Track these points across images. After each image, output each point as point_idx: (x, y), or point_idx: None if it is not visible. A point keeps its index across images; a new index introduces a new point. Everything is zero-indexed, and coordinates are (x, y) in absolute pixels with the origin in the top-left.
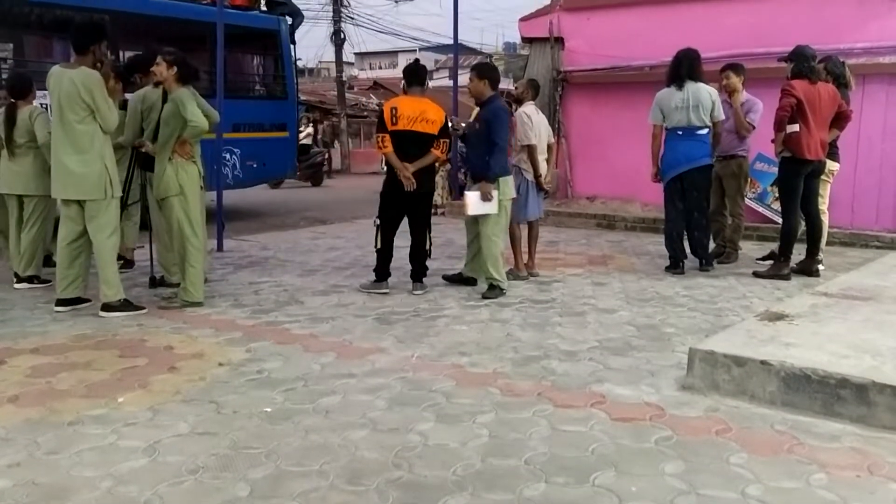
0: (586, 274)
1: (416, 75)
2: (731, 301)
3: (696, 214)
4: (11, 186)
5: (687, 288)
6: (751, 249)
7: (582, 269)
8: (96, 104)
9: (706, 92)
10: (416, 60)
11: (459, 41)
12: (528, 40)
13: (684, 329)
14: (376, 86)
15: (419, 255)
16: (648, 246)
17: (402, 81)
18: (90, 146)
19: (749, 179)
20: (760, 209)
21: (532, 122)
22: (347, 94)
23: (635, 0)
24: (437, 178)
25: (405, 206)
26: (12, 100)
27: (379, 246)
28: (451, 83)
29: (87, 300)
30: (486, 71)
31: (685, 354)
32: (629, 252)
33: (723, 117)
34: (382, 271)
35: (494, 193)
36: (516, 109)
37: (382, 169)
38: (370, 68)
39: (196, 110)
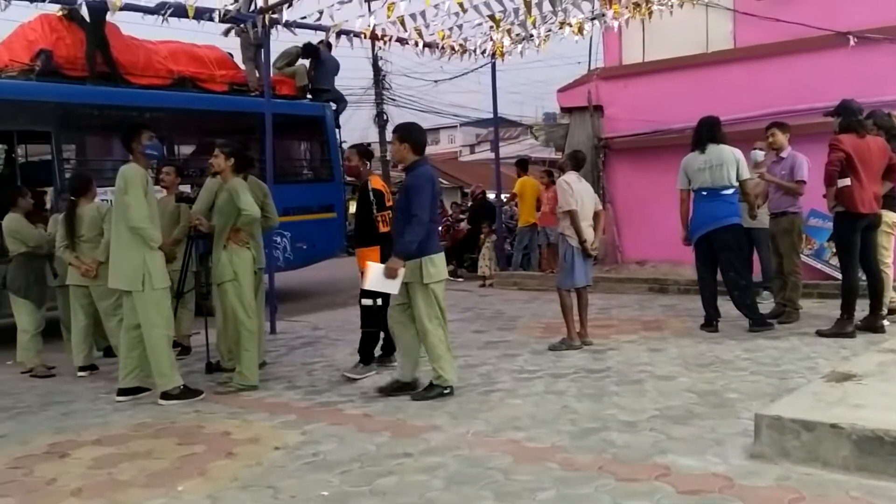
0: (641, 340)
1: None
2: (795, 362)
3: (731, 274)
4: (78, 279)
5: (748, 350)
6: (811, 308)
7: (636, 336)
8: (125, 197)
9: (729, 153)
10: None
11: (499, 114)
12: (567, 110)
13: (748, 394)
14: None
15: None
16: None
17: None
18: (130, 238)
19: (804, 236)
20: (819, 266)
21: (573, 189)
22: (392, 172)
23: (670, 65)
24: (484, 250)
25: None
26: (73, 198)
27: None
28: (492, 156)
29: (147, 389)
30: (406, 133)
31: (751, 421)
32: (684, 315)
33: (747, 176)
34: (371, 354)
35: (400, 272)
36: (558, 178)
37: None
38: None
39: (249, 199)
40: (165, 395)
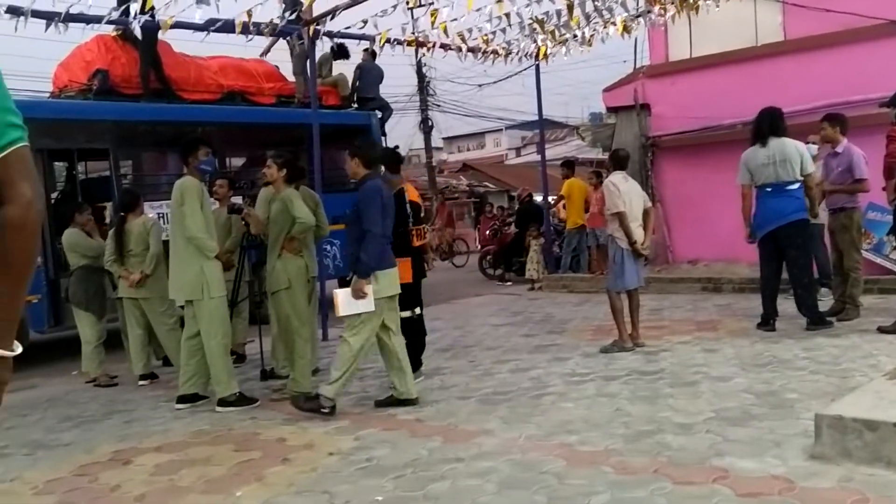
0: (695, 341)
1: (394, 159)
2: (856, 361)
3: (796, 272)
4: (129, 291)
5: (806, 349)
6: (872, 304)
7: (690, 336)
8: (182, 209)
9: (792, 146)
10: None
11: (544, 116)
12: (613, 110)
13: (807, 394)
14: (465, 167)
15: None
16: (760, 308)
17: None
18: (187, 249)
19: (863, 231)
20: (878, 261)
21: (619, 189)
22: (438, 178)
23: (719, 60)
24: (531, 253)
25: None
26: (122, 213)
27: None
28: (538, 158)
29: (206, 396)
30: (357, 148)
31: (811, 421)
32: (739, 315)
33: (811, 170)
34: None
35: (368, 289)
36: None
37: None
38: (458, 151)
39: (303, 208)
40: (222, 403)
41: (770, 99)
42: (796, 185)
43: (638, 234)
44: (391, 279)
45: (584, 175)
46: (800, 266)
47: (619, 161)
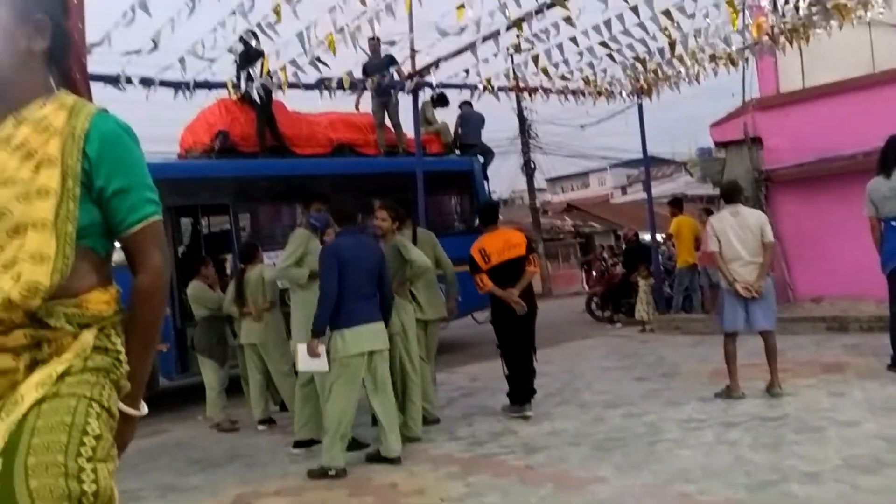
0: (821, 384)
1: (488, 214)
2: None
3: None
4: (248, 338)
5: None
6: None
7: (815, 379)
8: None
9: None
10: (487, 202)
11: (650, 153)
12: (722, 144)
13: None
14: (570, 208)
15: (526, 374)
16: (890, 348)
17: (478, 223)
18: (302, 296)
19: None
20: None
21: (714, 228)
22: (542, 220)
23: (835, 89)
24: (641, 293)
25: (516, 328)
26: (241, 265)
27: (507, 371)
28: (645, 196)
29: (320, 441)
30: (332, 202)
31: None
32: (868, 356)
33: None
34: (521, 394)
35: (321, 350)
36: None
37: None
38: (562, 191)
39: (415, 249)
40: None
41: (891, 127)
42: None
43: (739, 273)
44: (362, 336)
45: (693, 212)
46: None
47: (726, 194)
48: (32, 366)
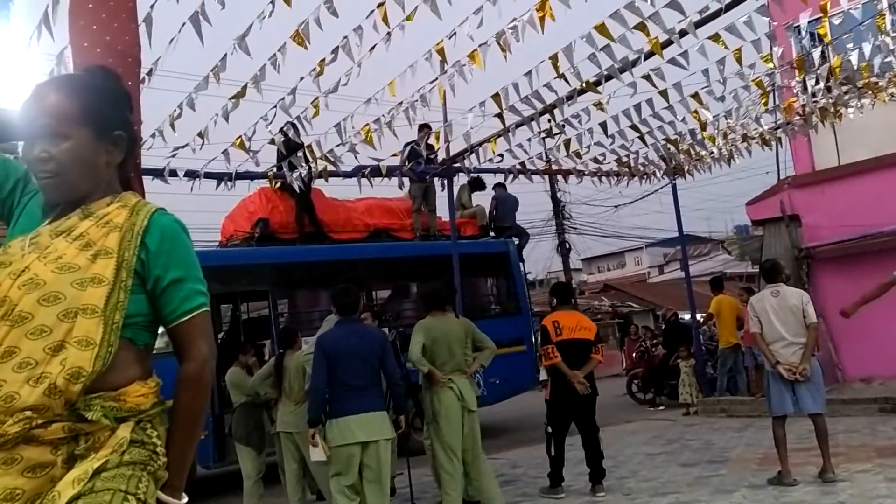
0: (877, 469)
1: (565, 294)
2: None
3: None
4: (286, 425)
5: None
6: None
7: (870, 464)
8: None
9: None
10: (563, 282)
11: (685, 232)
12: (759, 223)
13: None
14: (606, 288)
15: (596, 457)
16: None
17: (552, 298)
18: None
19: None
20: None
21: (754, 308)
22: (579, 300)
23: (872, 166)
24: (683, 375)
25: (573, 411)
26: (281, 350)
27: (553, 453)
28: (682, 275)
29: None
30: (335, 295)
31: None
32: None
33: None
34: (558, 477)
35: (317, 440)
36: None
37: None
38: (598, 271)
39: (414, 345)
40: None
41: None
42: None
43: (784, 353)
44: (347, 428)
45: (735, 291)
46: None
47: (766, 273)
48: (70, 460)
